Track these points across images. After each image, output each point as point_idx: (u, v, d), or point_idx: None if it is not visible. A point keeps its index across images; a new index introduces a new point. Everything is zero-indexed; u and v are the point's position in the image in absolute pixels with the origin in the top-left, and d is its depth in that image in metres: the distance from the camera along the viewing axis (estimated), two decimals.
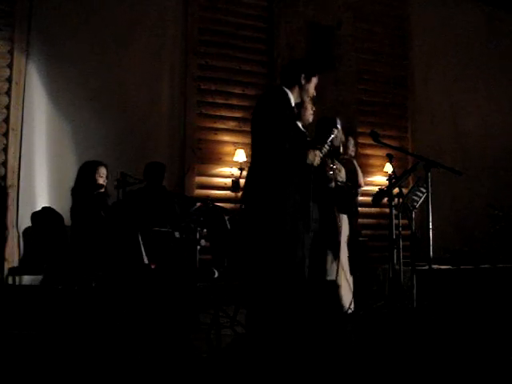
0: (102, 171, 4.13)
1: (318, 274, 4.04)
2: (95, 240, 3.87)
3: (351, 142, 5.01)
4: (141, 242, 3.84)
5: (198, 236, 3.92)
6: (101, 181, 4.10)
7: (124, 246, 3.91)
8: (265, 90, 3.31)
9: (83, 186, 4.06)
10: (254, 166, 3.11)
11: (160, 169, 4.69)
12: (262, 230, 2.99)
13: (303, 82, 3.16)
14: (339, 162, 4.76)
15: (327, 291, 4.01)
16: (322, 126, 3.77)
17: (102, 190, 4.15)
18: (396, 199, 4.15)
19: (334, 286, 4.10)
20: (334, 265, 4.26)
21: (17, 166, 4.88)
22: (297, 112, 3.32)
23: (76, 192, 4.08)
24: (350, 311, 4.13)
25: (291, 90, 3.15)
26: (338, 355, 3.00)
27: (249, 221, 3.07)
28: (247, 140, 5.92)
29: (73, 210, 4.06)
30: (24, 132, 4.90)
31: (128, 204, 4.20)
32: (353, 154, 5.06)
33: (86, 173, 4.10)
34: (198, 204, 4.14)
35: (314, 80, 3.22)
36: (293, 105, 3.17)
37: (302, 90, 3.18)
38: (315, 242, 3.35)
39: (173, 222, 4.27)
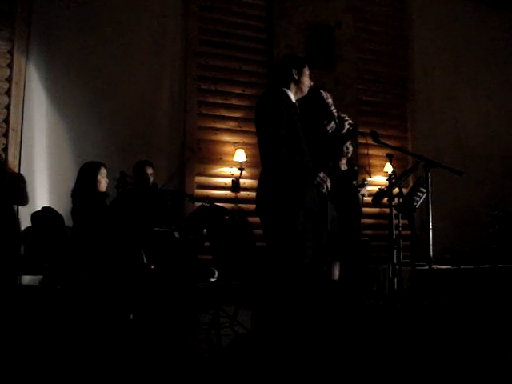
0: (104, 172, 4.09)
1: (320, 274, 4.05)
2: (96, 241, 3.85)
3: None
4: (140, 242, 3.83)
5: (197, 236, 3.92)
6: (103, 182, 4.07)
7: (124, 245, 3.90)
8: (262, 92, 3.26)
9: (85, 187, 4.00)
10: (264, 170, 3.10)
11: (141, 167, 4.70)
12: (274, 229, 2.97)
13: (296, 76, 3.14)
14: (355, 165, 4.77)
15: (331, 291, 4.02)
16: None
17: (103, 191, 4.11)
18: (396, 199, 4.15)
19: (336, 286, 4.11)
20: (336, 265, 4.27)
21: (17, 166, 4.89)
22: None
23: (77, 193, 4.00)
24: None
25: (289, 87, 3.14)
26: (338, 355, 3.00)
27: (263, 223, 3.05)
28: (247, 140, 5.95)
29: (74, 211, 3.98)
30: (24, 132, 4.91)
31: (123, 204, 4.18)
32: (349, 155, 5.00)
33: (87, 174, 4.03)
34: (198, 204, 4.14)
35: (306, 71, 3.20)
36: (293, 101, 3.14)
37: (299, 84, 3.16)
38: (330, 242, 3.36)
39: (167, 219, 4.26)
